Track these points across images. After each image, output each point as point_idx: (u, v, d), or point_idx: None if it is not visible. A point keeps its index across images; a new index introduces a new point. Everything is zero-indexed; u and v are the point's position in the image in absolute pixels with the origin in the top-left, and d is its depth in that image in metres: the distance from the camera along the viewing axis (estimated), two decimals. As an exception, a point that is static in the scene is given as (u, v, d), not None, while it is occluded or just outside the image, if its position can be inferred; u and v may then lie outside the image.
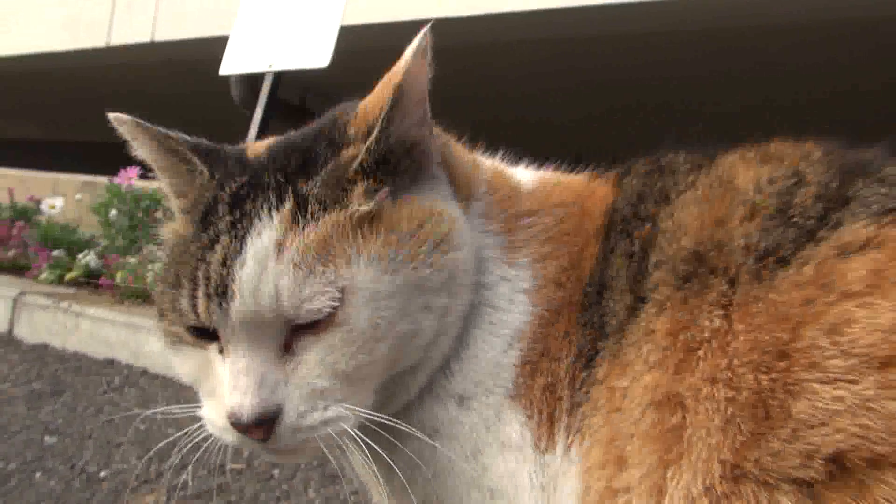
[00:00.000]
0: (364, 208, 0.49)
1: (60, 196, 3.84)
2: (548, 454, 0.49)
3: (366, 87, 0.60)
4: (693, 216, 0.49)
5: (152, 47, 4.82)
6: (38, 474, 1.11)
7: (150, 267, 2.17)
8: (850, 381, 0.38)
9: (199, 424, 0.55)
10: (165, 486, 1.11)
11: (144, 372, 1.74)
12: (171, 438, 0.94)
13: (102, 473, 1.13)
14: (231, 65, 2.69)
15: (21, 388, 1.56)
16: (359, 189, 0.50)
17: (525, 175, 0.62)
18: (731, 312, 0.44)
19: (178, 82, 5.62)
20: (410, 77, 0.50)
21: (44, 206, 3.34)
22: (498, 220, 0.56)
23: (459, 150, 0.61)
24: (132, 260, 2.31)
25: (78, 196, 3.75)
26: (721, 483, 0.40)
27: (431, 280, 0.50)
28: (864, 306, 0.40)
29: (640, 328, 0.46)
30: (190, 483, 1.13)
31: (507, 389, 0.51)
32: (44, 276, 2.46)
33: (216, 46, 4.53)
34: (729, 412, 0.41)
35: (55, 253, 2.60)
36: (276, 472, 1.20)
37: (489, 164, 0.63)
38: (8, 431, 1.29)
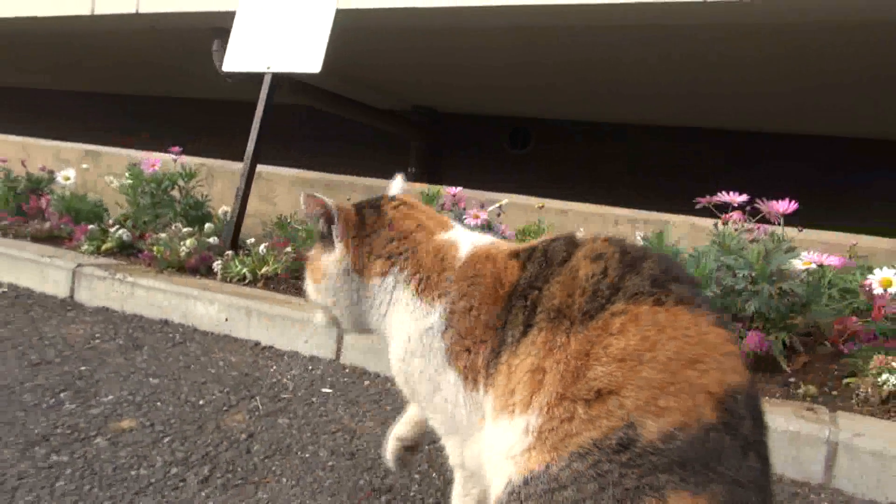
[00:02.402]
0: None
1: (66, 165, 4.23)
2: (473, 392, 1.03)
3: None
4: (559, 290, 0.98)
5: (137, 17, 5.10)
6: (158, 404, 1.68)
7: (182, 244, 2.69)
8: (605, 365, 0.93)
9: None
10: (244, 409, 1.69)
11: (196, 330, 2.30)
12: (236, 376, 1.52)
13: (201, 402, 1.71)
14: (232, 63, 3.13)
15: (110, 344, 2.11)
16: None
17: (464, 250, 1.13)
18: (570, 336, 0.93)
19: (162, 47, 5.94)
20: None
21: (59, 178, 3.75)
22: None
23: None
24: (163, 235, 2.82)
25: (84, 166, 4.17)
26: (555, 400, 0.96)
27: None
28: (617, 338, 0.95)
29: (528, 340, 0.98)
30: (260, 406, 1.72)
31: (443, 357, 1.02)
32: (85, 247, 2.96)
33: (199, 19, 4.95)
34: (561, 373, 0.97)
35: (90, 227, 3.08)
36: (327, 389, 1.79)
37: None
38: (121, 375, 1.84)
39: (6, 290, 2.65)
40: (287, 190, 3.70)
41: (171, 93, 8.70)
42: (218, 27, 4.61)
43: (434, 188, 2.78)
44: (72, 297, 2.59)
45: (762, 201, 2.14)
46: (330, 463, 1.44)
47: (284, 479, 1.36)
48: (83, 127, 9.60)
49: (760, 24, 3.36)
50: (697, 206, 2.28)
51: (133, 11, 5.00)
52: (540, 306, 0.95)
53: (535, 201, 3.08)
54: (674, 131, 6.64)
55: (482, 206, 2.79)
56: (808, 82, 4.42)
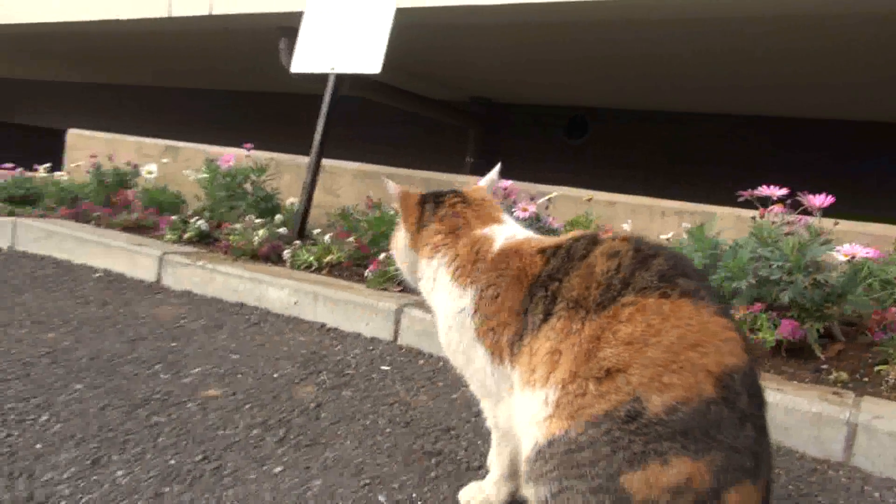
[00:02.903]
0: None
1: (148, 160, 4.57)
2: (499, 366, 1.16)
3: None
4: (577, 283, 1.14)
5: (210, 18, 5.40)
6: (238, 376, 1.91)
7: (255, 234, 2.94)
8: (614, 347, 1.07)
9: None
10: (313, 382, 1.90)
11: (269, 312, 2.54)
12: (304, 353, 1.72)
13: (276, 375, 1.93)
14: (300, 64, 3.36)
15: (194, 324, 2.37)
16: None
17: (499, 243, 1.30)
18: (584, 323, 1.10)
19: (232, 45, 6.26)
20: None
21: (142, 172, 4.08)
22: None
23: None
24: (238, 225, 3.08)
25: (164, 160, 4.49)
26: (569, 377, 1.11)
27: None
28: (625, 325, 1.09)
29: (548, 325, 1.13)
30: (326, 380, 1.92)
31: (473, 335, 1.19)
32: (168, 236, 3.25)
33: (267, 19, 5.23)
34: (575, 355, 1.11)
35: (173, 218, 3.38)
36: (386, 367, 1.99)
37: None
38: (206, 351, 2.09)
39: (101, 274, 2.95)
40: (349, 182, 3.92)
41: (240, 87, 9.07)
42: (285, 26, 4.87)
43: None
44: (159, 281, 2.87)
45: (803, 194, 2.22)
46: (387, 429, 1.63)
47: (348, 442, 1.55)
48: (161, 119, 10.15)
49: (810, 16, 3.38)
50: (739, 199, 2.37)
51: (206, 13, 5.31)
52: (559, 297, 1.10)
53: (584, 193, 3.20)
54: (730, 119, 6.58)
55: (532, 199, 2.93)
56: (857, 75, 4.37)
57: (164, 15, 5.55)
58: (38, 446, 1.43)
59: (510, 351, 1.14)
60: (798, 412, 1.62)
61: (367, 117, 8.10)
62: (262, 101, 8.96)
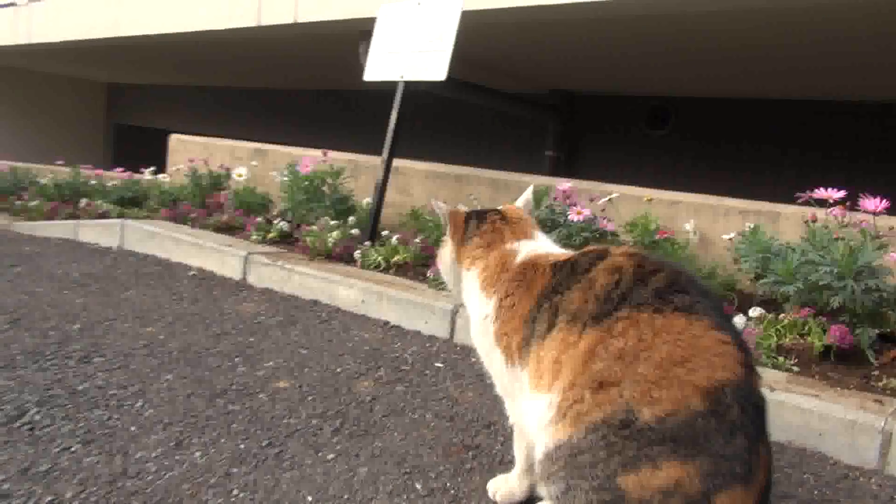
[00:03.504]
0: None
1: (239, 162, 4.91)
2: (512, 368, 1.30)
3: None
4: (578, 296, 1.25)
5: (295, 26, 5.72)
6: (305, 370, 2.11)
7: (329, 235, 3.16)
8: (605, 361, 1.14)
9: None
10: (371, 377, 2.08)
11: (339, 309, 2.75)
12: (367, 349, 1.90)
13: (338, 370, 2.12)
14: (373, 73, 3.55)
15: (271, 320, 2.60)
16: None
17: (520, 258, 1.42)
18: (581, 335, 1.20)
19: (316, 49, 6.58)
20: None
21: (233, 175, 4.40)
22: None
23: None
24: (314, 227, 3.31)
25: (254, 163, 4.82)
26: (568, 386, 1.19)
27: None
28: (617, 339, 1.17)
29: (551, 335, 1.25)
30: (383, 375, 2.10)
31: (493, 339, 1.34)
32: (253, 237, 3.53)
33: (347, 25, 5.49)
34: (573, 366, 1.20)
35: (257, 220, 3.66)
36: (439, 364, 2.14)
37: None
38: (279, 346, 2.31)
39: (195, 272, 3.26)
40: (421, 182, 4.09)
41: (322, 86, 9.44)
42: (364, 30, 5.10)
43: (544, 186, 3.02)
44: (244, 279, 3.14)
45: (864, 195, 2.19)
46: (433, 423, 1.78)
47: (396, 434, 1.71)
48: (251, 118, 10.72)
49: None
50: (798, 201, 2.36)
51: (291, 21, 5.62)
52: (561, 308, 1.20)
53: (645, 193, 3.22)
54: (821, 105, 6.29)
55: (592, 200, 2.99)
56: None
57: (254, 24, 5.92)
58: (133, 428, 1.68)
59: (519, 355, 1.25)
60: (833, 419, 1.64)
61: (445, 114, 8.26)
62: (343, 98, 9.31)
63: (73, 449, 1.55)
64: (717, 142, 7.01)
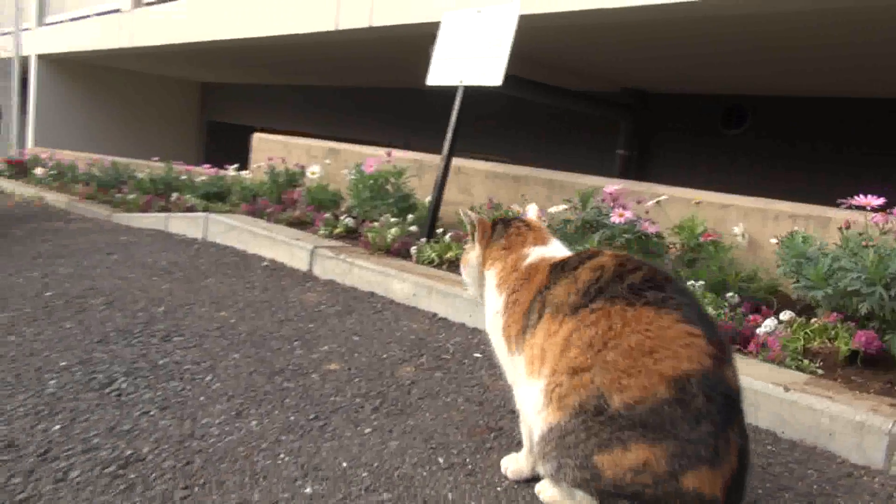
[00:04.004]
0: None
1: (314, 161, 5.21)
2: (512, 357, 1.47)
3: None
4: (563, 290, 1.39)
5: (370, 30, 5.99)
6: (356, 355, 2.33)
7: (388, 232, 3.37)
8: (577, 348, 1.27)
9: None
10: (413, 364, 2.27)
11: (392, 301, 2.96)
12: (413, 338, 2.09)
13: (385, 356, 2.32)
14: (435, 77, 3.73)
15: (330, 309, 2.84)
16: None
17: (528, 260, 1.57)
18: (562, 323, 1.34)
19: (389, 50, 6.86)
20: None
21: (307, 173, 4.70)
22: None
23: None
24: (376, 224, 3.53)
25: (327, 161, 5.11)
26: (550, 372, 1.32)
27: None
28: (588, 328, 1.29)
29: (540, 325, 1.40)
30: (425, 362, 2.28)
31: (500, 331, 1.49)
32: (321, 231, 3.79)
33: (418, 28, 5.73)
34: (553, 353, 1.33)
35: (325, 215, 3.92)
36: (478, 354, 2.31)
37: None
38: (335, 332, 2.54)
39: (268, 263, 3.55)
40: (482, 182, 4.25)
41: (395, 84, 9.72)
42: (435, 33, 5.31)
43: (590, 189, 3.12)
44: (310, 270, 3.40)
45: (907, 204, 2.20)
46: (463, 406, 1.96)
47: (428, 414, 1.90)
48: (328, 114, 11.17)
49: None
50: (842, 206, 2.38)
51: (367, 25, 5.89)
52: (548, 301, 1.35)
53: (695, 195, 3.26)
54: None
55: (639, 202, 3.07)
56: None
57: (332, 28, 6.23)
58: (202, 399, 1.93)
59: (517, 345, 1.41)
60: (842, 419, 1.71)
61: (516, 113, 8.37)
62: (422, 95, 9.56)
63: (151, 413, 1.82)
64: (796, 142, 6.82)
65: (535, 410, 1.33)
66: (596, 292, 1.29)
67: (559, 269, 1.41)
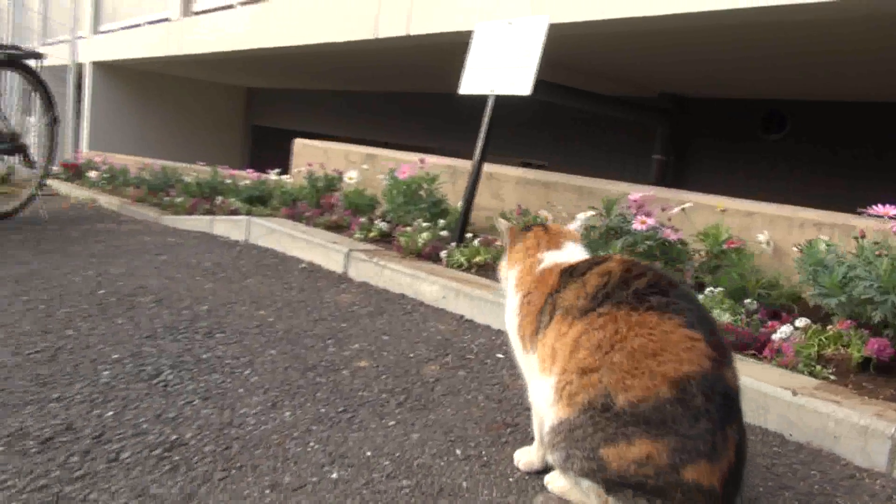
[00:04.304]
0: None
1: (353, 166, 5.37)
2: (527, 354, 1.58)
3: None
4: (572, 294, 1.50)
5: (408, 38, 6.15)
6: (384, 353, 2.46)
7: (420, 236, 3.50)
8: (586, 349, 1.36)
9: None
10: (438, 363, 2.39)
11: (422, 303, 3.08)
12: (439, 338, 2.21)
13: (411, 355, 2.45)
14: (467, 87, 3.85)
15: (362, 309, 2.98)
16: None
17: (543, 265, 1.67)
18: (571, 325, 1.45)
19: (425, 57, 7.02)
20: None
21: (345, 178, 4.86)
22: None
23: None
24: (408, 228, 3.67)
25: (364, 166, 5.27)
26: (560, 370, 1.42)
27: None
28: (596, 331, 1.39)
29: (551, 326, 1.52)
30: (449, 361, 2.40)
31: (516, 329, 1.61)
32: (357, 235, 3.94)
33: (453, 36, 5.87)
34: (563, 353, 1.42)
35: (361, 220, 4.08)
36: (500, 355, 2.42)
37: None
38: (366, 332, 2.67)
39: (305, 265, 3.72)
40: (513, 188, 4.35)
41: (431, 88, 9.88)
42: (468, 41, 5.44)
43: (613, 196, 3.19)
44: (345, 273, 3.55)
45: (927, 214, 2.23)
46: (482, 403, 2.07)
47: (449, 410, 2.01)
48: (373, 121, 11.37)
49: None
50: (861, 214, 2.42)
51: (405, 34, 6.04)
52: (558, 304, 1.45)
53: (719, 202, 3.31)
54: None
55: (664, 210, 3.14)
56: None
57: (371, 37, 6.41)
58: (241, 391, 2.08)
59: (531, 343, 1.52)
60: (847, 423, 1.76)
61: (550, 117, 8.43)
62: (449, 100, 9.69)
63: (194, 402, 1.98)
64: (837, 148, 6.74)
65: (547, 404, 1.43)
66: (603, 297, 1.39)
67: (569, 273, 1.52)
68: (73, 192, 6.84)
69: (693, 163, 7.82)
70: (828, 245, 2.57)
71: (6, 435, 1.72)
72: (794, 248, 2.90)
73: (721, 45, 4.99)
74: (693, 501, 1.24)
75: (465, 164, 4.88)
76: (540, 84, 4.98)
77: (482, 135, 3.74)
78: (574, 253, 1.71)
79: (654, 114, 7.67)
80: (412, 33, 5.97)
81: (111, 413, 1.88)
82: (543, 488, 1.57)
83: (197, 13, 9.74)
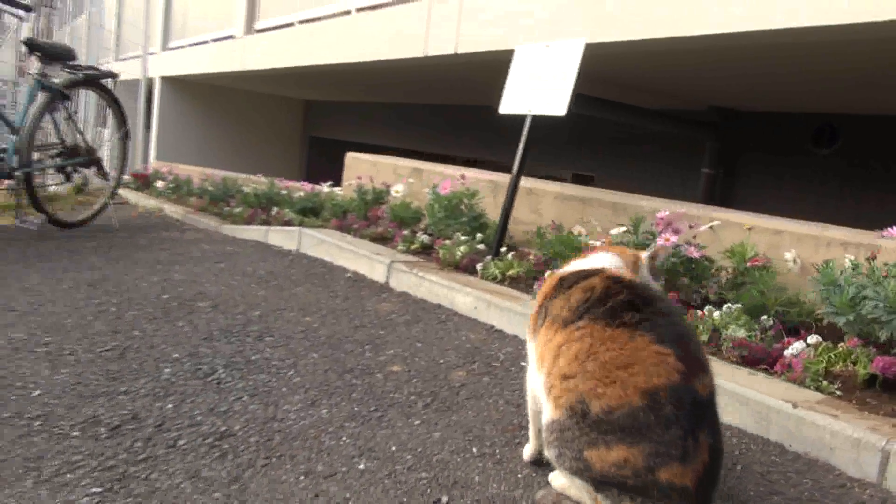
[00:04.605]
0: None
1: (400, 179, 5.60)
2: (531, 342, 1.73)
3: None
4: (558, 304, 1.64)
5: (456, 56, 6.37)
6: (416, 359, 2.66)
7: (458, 249, 3.70)
8: (565, 357, 1.51)
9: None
10: (466, 369, 2.58)
11: (456, 313, 3.27)
12: (468, 346, 2.40)
13: (441, 361, 2.64)
14: (507, 107, 4.04)
15: (400, 318, 3.19)
16: None
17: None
18: (556, 332, 1.57)
19: (472, 74, 7.24)
20: None
21: (392, 191, 5.10)
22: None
23: None
24: (448, 242, 3.87)
25: (411, 180, 5.49)
26: (548, 373, 1.58)
27: None
28: (575, 343, 1.53)
29: (542, 329, 1.64)
30: (476, 368, 2.58)
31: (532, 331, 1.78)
32: (400, 247, 4.17)
33: (498, 54, 6.08)
34: (549, 357, 1.57)
35: (404, 232, 4.30)
36: (525, 363, 2.59)
37: None
38: (401, 339, 2.88)
39: (351, 275, 3.96)
40: (550, 203, 4.50)
41: (475, 101, 10.11)
42: (509, 59, 5.62)
43: (642, 214, 3.31)
44: (387, 283, 3.78)
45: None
46: (502, 408, 2.24)
47: (470, 412, 2.20)
48: (414, 132, 11.68)
49: None
50: (885, 237, 2.50)
51: (452, 52, 6.28)
52: (549, 311, 1.63)
53: (747, 220, 3.39)
54: None
55: (691, 227, 3.25)
56: None
57: (421, 55, 6.67)
58: (284, 389, 2.32)
59: (533, 339, 1.70)
60: (842, 436, 1.87)
61: (594, 130, 8.52)
62: (492, 113, 9.88)
63: (243, 399, 2.22)
64: (889, 164, 6.63)
65: (543, 398, 1.60)
66: (584, 311, 1.56)
67: (559, 284, 1.69)
68: (142, 201, 7.31)
69: (742, 177, 7.77)
70: (853, 264, 2.64)
71: (81, 421, 1.99)
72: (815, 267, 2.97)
73: (774, 60, 5.02)
74: (669, 499, 1.39)
75: (506, 179, 5.06)
76: (577, 98, 5.13)
77: (520, 152, 3.91)
78: (580, 263, 1.86)
79: (700, 127, 7.67)
80: (460, 52, 6.19)
81: (171, 406, 2.14)
82: (548, 484, 1.74)
83: (259, 31, 10.23)
